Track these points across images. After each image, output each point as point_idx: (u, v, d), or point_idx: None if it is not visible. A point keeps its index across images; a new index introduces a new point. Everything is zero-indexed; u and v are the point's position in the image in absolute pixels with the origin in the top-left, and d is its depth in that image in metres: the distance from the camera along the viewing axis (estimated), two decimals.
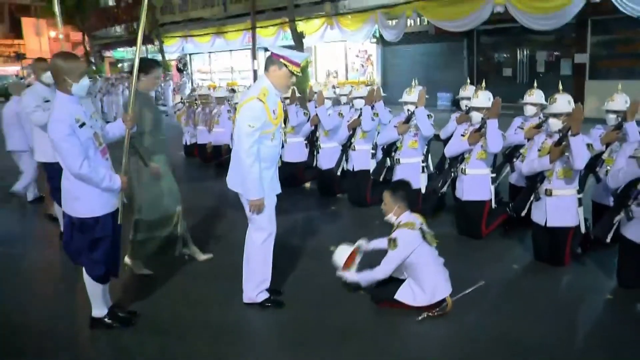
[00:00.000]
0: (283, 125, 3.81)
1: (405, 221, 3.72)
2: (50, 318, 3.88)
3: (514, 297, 4.02)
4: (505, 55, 16.19)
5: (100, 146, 3.36)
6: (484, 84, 5.42)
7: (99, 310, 3.61)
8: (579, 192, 4.42)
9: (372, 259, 3.98)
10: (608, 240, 4.11)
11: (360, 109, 6.28)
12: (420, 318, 3.61)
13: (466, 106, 5.79)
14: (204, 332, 3.60)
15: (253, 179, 3.49)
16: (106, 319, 3.62)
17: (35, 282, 4.66)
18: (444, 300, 3.68)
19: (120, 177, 3.39)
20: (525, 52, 15.49)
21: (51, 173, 5.02)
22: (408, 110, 5.71)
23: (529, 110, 5.41)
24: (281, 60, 3.52)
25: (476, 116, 5.09)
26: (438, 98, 16.59)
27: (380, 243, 3.99)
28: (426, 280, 3.66)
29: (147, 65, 4.22)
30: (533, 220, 4.61)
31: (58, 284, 4.55)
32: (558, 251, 4.47)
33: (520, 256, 4.78)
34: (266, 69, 3.59)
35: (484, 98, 5.09)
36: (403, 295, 3.73)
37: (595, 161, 4.81)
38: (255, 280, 3.79)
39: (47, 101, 4.90)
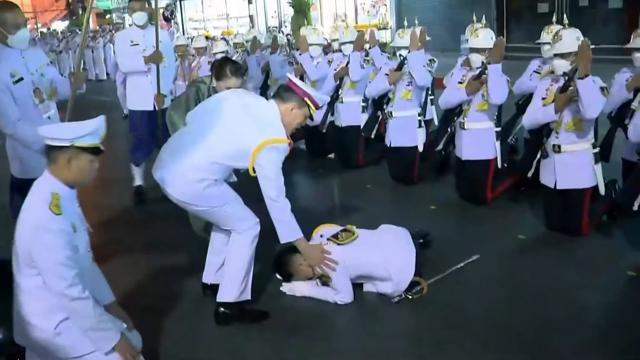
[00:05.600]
0: None
1: None
2: None
3: (511, 275, 3.79)
4: None
5: (41, 103, 3.50)
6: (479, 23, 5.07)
7: None
8: (594, 146, 4.13)
9: None
10: (635, 207, 3.79)
11: (349, 55, 6.01)
12: (396, 300, 3.45)
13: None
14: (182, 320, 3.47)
15: (291, 219, 3.29)
16: None
17: None
18: (417, 282, 3.50)
19: None
20: None
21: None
22: (400, 55, 5.40)
23: (547, 51, 5.08)
24: (305, 99, 3.23)
25: (476, 59, 4.76)
26: (462, 41, 15.99)
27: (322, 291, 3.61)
28: (379, 272, 3.48)
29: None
30: (542, 182, 4.34)
31: None
32: (573, 218, 4.18)
33: (531, 225, 4.53)
34: (282, 99, 3.26)
35: (485, 37, 4.75)
36: (368, 288, 3.61)
37: (624, 112, 4.48)
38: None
39: None
